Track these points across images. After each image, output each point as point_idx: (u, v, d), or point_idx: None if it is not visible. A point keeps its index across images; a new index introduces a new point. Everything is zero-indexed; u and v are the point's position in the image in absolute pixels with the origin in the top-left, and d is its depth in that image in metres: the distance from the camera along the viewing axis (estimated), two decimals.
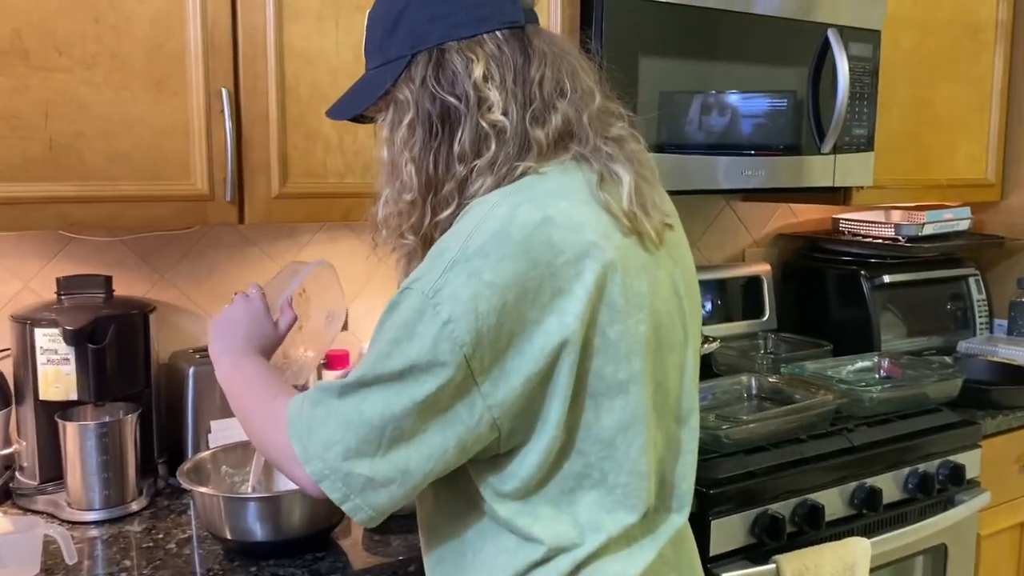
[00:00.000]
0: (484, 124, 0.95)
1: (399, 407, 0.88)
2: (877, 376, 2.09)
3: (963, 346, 2.41)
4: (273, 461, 0.99)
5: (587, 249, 0.89)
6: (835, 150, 2.03)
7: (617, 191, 0.94)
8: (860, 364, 2.13)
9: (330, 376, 1.81)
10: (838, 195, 2.20)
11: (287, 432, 0.92)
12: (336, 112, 1.08)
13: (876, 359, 2.14)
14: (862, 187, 2.17)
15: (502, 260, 0.87)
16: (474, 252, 0.87)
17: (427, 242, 0.98)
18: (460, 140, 0.96)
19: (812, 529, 1.63)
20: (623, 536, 0.95)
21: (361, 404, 0.89)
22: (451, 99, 0.96)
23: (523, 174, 0.95)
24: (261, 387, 1.05)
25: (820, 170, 2.04)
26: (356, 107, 1.05)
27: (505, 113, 0.95)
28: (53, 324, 1.43)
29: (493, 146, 0.95)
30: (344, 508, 0.91)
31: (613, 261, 0.90)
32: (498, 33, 0.97)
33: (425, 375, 0.87)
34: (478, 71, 0.95)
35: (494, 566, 0.95)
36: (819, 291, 2.45)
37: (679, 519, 1.01)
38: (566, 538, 0.93)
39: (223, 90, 1.40)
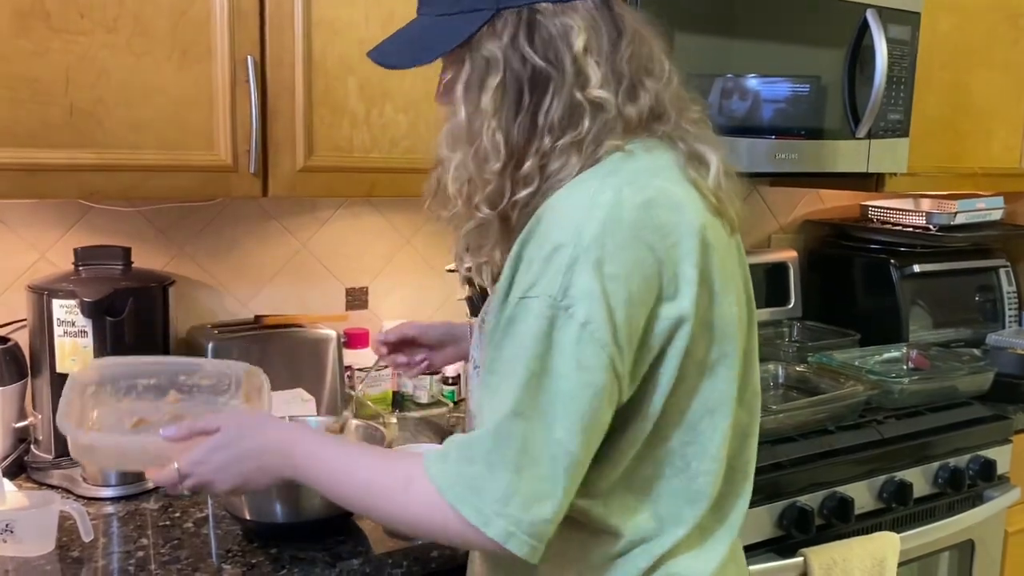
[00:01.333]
0: (580, 98, 0.87)
1: (565, 430, 0.80)
2: (905, 367, 2.05)
3: (992, 338, 2.35)
4: (427, 533, 0.91)
5: (690, 230, 0.86)
6: (869, 135, 1.98)
7: (704, 172, 0.91)
8: (887, 355, 2.09)
9: (355, 356, 1.77)
10: (870, 181, 2.14)
11: (446, 500, 0.82)
12: (391, 56, 0.98)
13: (904, 350, 2.10)
14: (895, 174, 2.12)
15: (620, 249, 0.81)
16: (591, 243, 0.81)
17: (503, 219, 0.91)
18: (548, 112, 0.88)
19: (841, 522, 1.60)
20: (699, 528, 0.92)
21: (524, 441, 0.80)
22: (545, 66, 0.88)
23: (606, 153, 0.89)
24: (355, 466, 0.92)
25: (853, 155, 1.98)
26: (422, 56, 0.94)
27: (602, 88, 0.88)
28: (71, 295, 1.40)
29: (586, 122, 0.87)
30: (530, 560, 0.82)
31: (711, 242, 0.87)
32: (590, 1, 0.90)
33: (580, 389, 0.80)
34: (579, 42, 0.88)
35: (567, 559, 0.90)
36: (846, 279, 2.39)
37: (744, 505, 0.98)
38: (645, 530, 0.89)
39: (249, 58, 1.35)
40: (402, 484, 0.86)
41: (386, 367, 1.55)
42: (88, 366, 1.18)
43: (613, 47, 0.90)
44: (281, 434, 0.97)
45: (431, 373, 1.33)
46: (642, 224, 0.83)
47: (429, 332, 1.32)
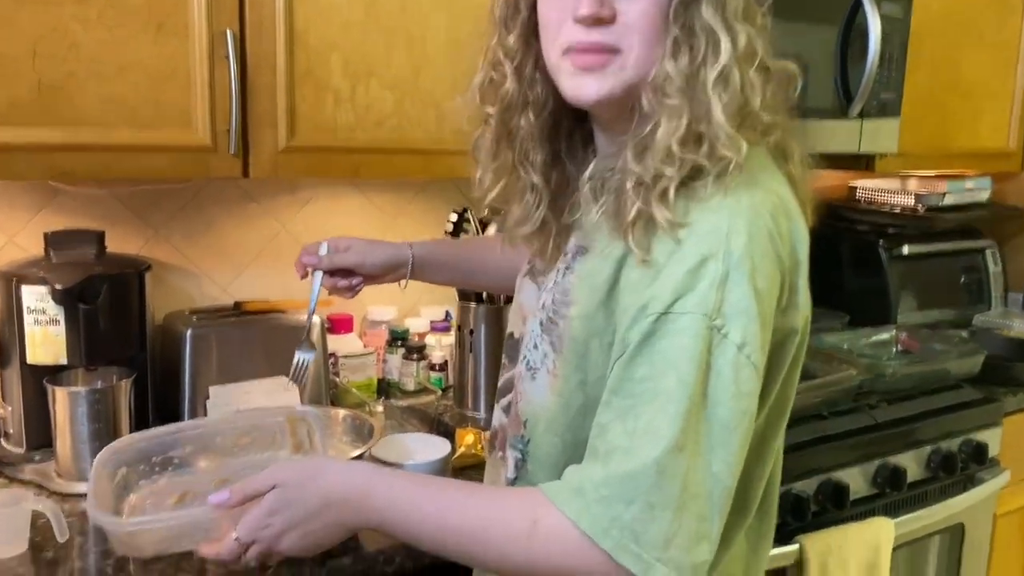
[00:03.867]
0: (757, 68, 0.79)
1: (722, 463, 0.74)
2: (895, 350, 2.03)
3: (979, 319, 2.35)
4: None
5: (803, 239, 0.81)
6: (862, 115, 1.94)
7: (791, 164, 0.86)
8: (877, 337, 2.07)
9: (339, 342, 1.71)
10: (860, 162, 2.12)
11: (601, 546, 0.73)
12: None
13: (894, 332, 2.08)
14: (886, 154, 2.09)
15: (763, 261, 0.75)
16: (740, 256, 0.74)
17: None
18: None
19: (836, 509, 1.57)
20: (748, 530, 0.89)
21: (685, 478, 0.72)
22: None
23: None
24: (457, 510, 0.81)
25: (845, 135, 1.95)
26: None
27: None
28: (41, 281, 1.33)
29: (756, 99, 0.79)
30: None
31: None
32: None
33: (737, 418, 0.74)
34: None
35: None
36: (834, 260, 2.37)
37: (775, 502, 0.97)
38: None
39: (228, 32, 1.28)
40: (525, 527, 0.76)
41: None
42: (112, 447, 1.07)
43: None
44: (349, 480, 0.84)
45: None
46: (773, 234, 0.77)
47: (367, 263, 1.20)
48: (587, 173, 0.87)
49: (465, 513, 0.80)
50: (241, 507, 0.86)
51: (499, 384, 1.01)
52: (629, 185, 0.79)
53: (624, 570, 0.73)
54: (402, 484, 0.84)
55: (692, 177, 0.78)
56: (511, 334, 1.01)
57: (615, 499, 0.73)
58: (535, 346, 0.90)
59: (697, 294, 0.74)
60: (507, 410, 0.97)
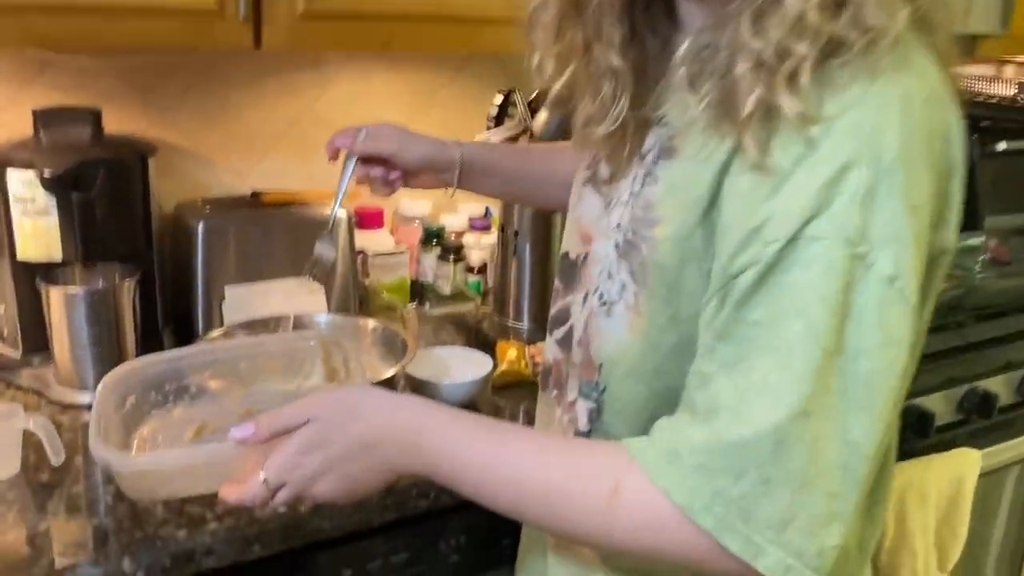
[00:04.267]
0: None
1: (863, 429, 0.59)
2: (983, 259, 1.83)
3: None
4: (640, 555, 0.66)
5: (961, 134, 0.64)
6: None
7: (932, 41, 0.66)
8: (963, 243, 1.85)
9: (369, 238, 1.54)
10: (960, 43, 1.86)
11: (700, 525, 0.60)
12: None
13: (983, 239, 1.86)
14: (989, 36, 1.83)
15: (922, 171, 0.59)
16: (892, 164, 0.57)
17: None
18: None
19: (919, 437, 1.42)
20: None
21: (812, 449, 0.58)
22: None
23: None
24: (523, 468, 0.67)
25: None
26: None
27: None
28: (28, 165, 1.17)
29: None
30: None
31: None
32: None
33: (884, 370, 0.59)
34: None
35: None
36: None
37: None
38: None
39: None
40: (604, 494, 0.63)
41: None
42: (117, 373, 0.92)
43: None
44: (395, 419, 0.71)
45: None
46: (930, 130, 0.60)
47: (406, 154, 1.03)
48: (680, 52, 0.68)
49: (534, 471, 0.67)
50: (268, 444, 0.71)
51: (552, 312, 0.84)
52: (744, 66, 0.60)
53: (727, 554, 0.59)
54: (458, 428, 0.70)
55: (829, 55, 0.60)
56: (566, 254, 0.82)
57: (720, 470, 0.59)
58: (609, 276, 0.73)
59: (835, 213, 0.58)
60: (563, 343, 0.80)
